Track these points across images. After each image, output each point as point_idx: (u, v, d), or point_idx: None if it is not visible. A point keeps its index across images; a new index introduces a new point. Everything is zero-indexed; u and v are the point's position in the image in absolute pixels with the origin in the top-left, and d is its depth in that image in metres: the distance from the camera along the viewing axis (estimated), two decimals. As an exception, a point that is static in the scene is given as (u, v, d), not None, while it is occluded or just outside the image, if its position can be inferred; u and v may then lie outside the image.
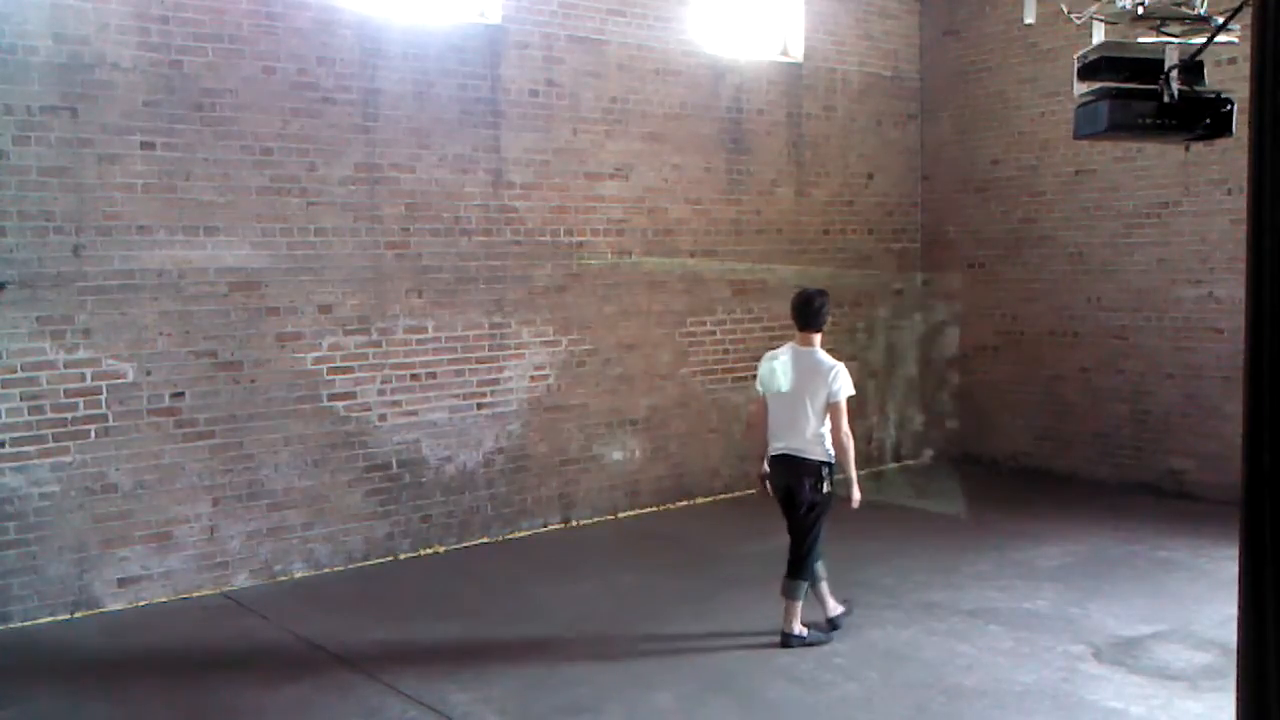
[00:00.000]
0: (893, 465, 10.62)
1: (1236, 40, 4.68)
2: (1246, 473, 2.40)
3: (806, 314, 5.86)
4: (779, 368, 5.87)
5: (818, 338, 5.89)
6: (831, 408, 5.74)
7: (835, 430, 5.76)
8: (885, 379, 10.64)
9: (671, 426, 9.17)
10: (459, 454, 8.01)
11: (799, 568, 5.86)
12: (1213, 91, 4.75)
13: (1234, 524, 2.52)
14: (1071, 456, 9.82)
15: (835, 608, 6.08)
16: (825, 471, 5.78)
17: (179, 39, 6.72)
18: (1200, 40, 4.58)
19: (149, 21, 6.62)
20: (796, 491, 5.77)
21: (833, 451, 5.80)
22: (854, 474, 5.86)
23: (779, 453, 5.85)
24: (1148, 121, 4.67)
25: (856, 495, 5.89)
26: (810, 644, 5.84)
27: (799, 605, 5.86)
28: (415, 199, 7.70)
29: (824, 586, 6.03)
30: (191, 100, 6.79)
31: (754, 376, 6.15)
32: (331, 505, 7.45)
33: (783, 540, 5.86)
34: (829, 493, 5.81)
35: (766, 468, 5.98)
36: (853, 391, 5.84)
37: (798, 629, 5.86)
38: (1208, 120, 4.69)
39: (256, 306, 7.07)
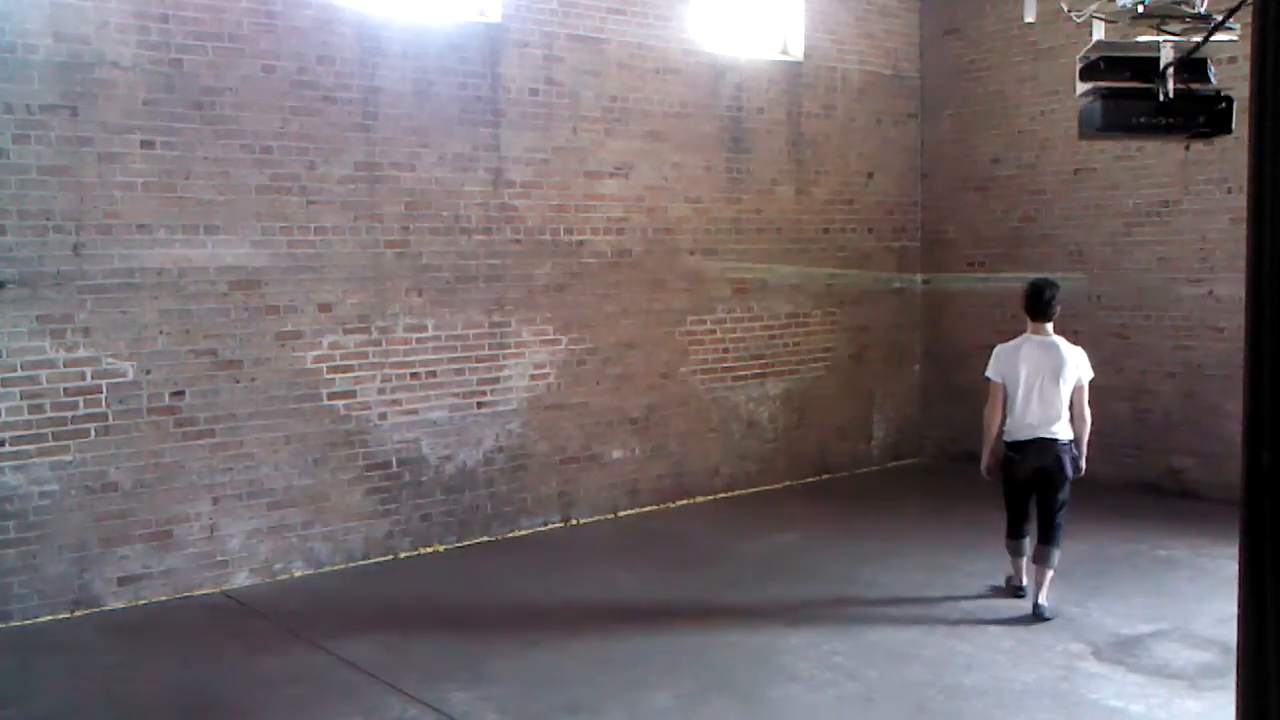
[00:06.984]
0: (892, 464, 10.62)
1: (1236, 38, 4.68)
2: (1246, 472, 2.40)
3: (1038, 305, 6.23)
4: (1017, 357, 6.22)
5: (1050, 326, 6.25)
6: (1077, 390, 6.17)
7: (1079, 409, 6.20)
8: (885, 378, 10.65)
9: (671, 425, 9.16)
10: (459, 453, 8.01)
11: (1055, 534, 6.21)
12: (1211, 89, 4.75)
13: (1234, 523, 2.52)
14: (1071, 455, 9.81)
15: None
16: (1073, 449, 6.22)
17: (179, 37, 6.72)
18: (1198, 38, 4.57)
19: (149, 20, 6.61)
20: (1053, 470, 6.16)
21: (1072, 430, 6.22)
22: (1085, 449, 6.28)
23: (1030, 437, 6.19)
24: (1143, 121, 4.68)
25: (1082, 465, 6.33)
26: (1048, 618, 6.10)
27: (1051, 574, 6.20)
28: (415, 197, 7.70)
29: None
30: (191, 99, 6.79)
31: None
32: (331, 504, 7.45)
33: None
34: (1079, 467, 6.27)
35: (1000, 450, 6.35)
36: (1093, 374, 6.26)
37: (1045, 599, 6.19)
38: (1203, 118, 4.69)
39: (256, 305, 7.07)
